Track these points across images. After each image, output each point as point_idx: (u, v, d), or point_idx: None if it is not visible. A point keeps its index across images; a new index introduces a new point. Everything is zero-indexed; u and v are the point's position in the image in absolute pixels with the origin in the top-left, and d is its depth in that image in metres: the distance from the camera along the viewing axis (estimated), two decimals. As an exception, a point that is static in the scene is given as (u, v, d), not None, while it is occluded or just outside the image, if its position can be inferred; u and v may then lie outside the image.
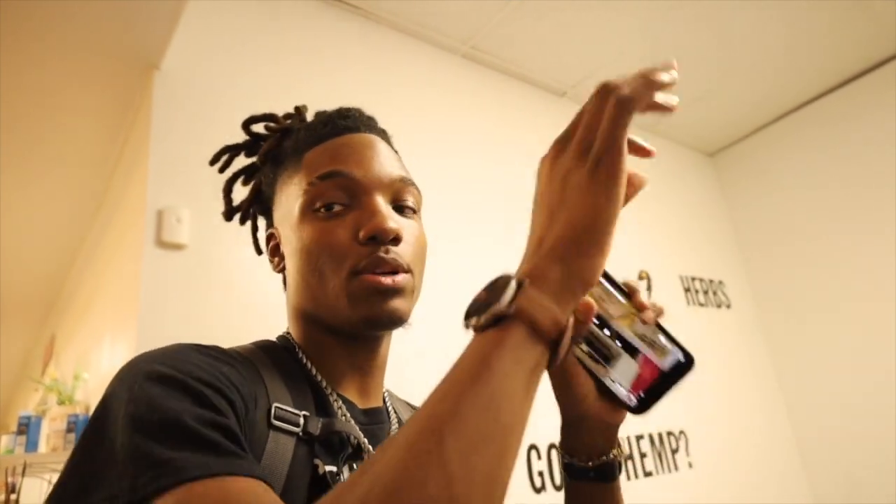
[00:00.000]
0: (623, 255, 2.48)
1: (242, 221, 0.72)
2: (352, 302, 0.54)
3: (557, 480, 1.82)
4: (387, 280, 0.53)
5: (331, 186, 0.56)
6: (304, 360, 0.59)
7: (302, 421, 0.50)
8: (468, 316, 0.37)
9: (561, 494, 1.87)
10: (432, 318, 1.77)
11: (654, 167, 2.89)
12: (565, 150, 0.40)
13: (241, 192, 0.72)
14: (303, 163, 0.60)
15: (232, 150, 0.72)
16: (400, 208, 0.59)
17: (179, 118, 1.51)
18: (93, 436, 0.41)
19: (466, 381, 0.33)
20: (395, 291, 0.54)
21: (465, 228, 1.98)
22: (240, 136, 0.72)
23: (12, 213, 2.58)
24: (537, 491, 1.77)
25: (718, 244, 3.02)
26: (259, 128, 0.70)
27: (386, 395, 0.66)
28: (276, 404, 0.50)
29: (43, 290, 3.69)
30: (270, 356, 0.56)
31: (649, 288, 2.50)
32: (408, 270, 0.56)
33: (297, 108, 0.72)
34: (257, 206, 0.71)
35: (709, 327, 2.69)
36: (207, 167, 1.64)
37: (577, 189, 0.38)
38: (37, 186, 2.36)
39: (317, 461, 0.49)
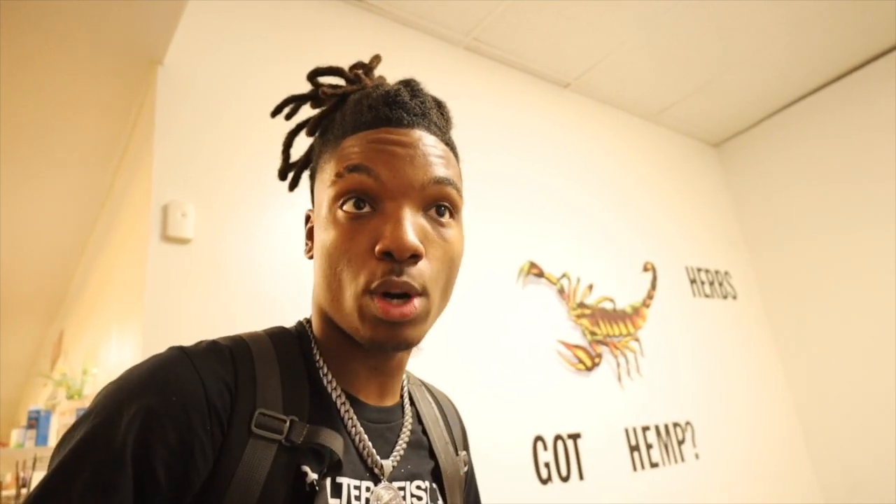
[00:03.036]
0: (629, 247, 2.47)
1: (291, 188, 0.68)
2: (362, 321, 0.51)
3: (563, 471, 1.83)
4: (395, 312, 0.50)
5: (357, 183, 0.53)
6: (316, 356, 0.57)
7: (286, 427, 0.50)
8: None
9: (566, 486, 1.87)
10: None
11: (659, 158, 2.88)
12: None
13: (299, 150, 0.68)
14: (339, 148, 0.56)
15: (297, 101, 0.66)
16: (439, 210, 0.55)
17: (183, 113, 1.51)
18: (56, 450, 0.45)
19: None
20: (405, 323, 0.51)
21: (467, 221, 1.98)
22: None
23: (18, 210, 2.59)
24: (543, 482, 1.77)
25: (724, 235, 3.01)
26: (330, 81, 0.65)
27: (404, 384, 0.65)
28: (260, 410, 0.49)
29: (50, 287, 3.72)
30: (278, 348, 0.55)
31: (655, 279, 2.50)
32: (421, 293, 0.52)
33: (363, 65, 0.66)
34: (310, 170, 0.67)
35: (715, 318, 2.68)
36: (212, 162, 1.64)
37: None
38: (41, 183, 2.37)
39: (305, 468, 0.48)
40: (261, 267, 1.47)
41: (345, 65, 0.69)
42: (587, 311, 2.18)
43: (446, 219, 0.56)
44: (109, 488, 0.41)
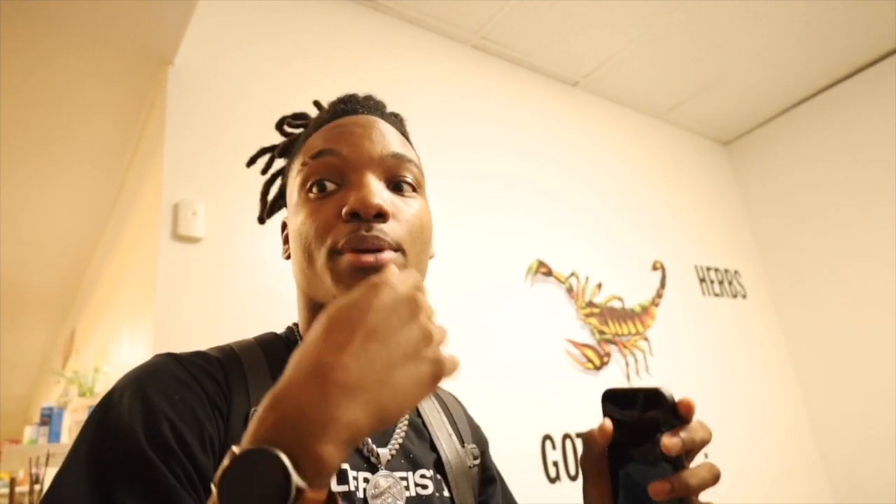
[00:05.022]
0: (637, 246, 2.46)
1: (269, 216, 0.73)
2: (335, 281, 0.52)
3: (572, 470, 1.83)
4: (368, 258, 0.50)
5: (321, 165, 0.56)
6: None
7: None
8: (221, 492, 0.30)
9: (575, 485, 1.87)
10: (436, 308, 1.77)
11: (669, 156, 2.86)
12: (414, 317, 0.37)
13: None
14: (304, 147, 0.60)
15: (269, 151, 0.72)
16: (398, 185, 0.57)
17: (194, 112, 1.52)
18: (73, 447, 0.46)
19: None
20: (378, 269, 0.50)
21: (476, 220, 1.98)
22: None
23: (31, 209, 2.62)
24: (552, 481, 1.77)
25: (733, 234, 2.99)
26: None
27: None
28: (255, 408, 0.50)
29: (62, 286, 3.75)
30: (267, 352, 0.57)
31: (664, 278, 2.49)
32: (396, 248, 0.53)
33: (316, 104, 0.71)
34: (284, 202, 0.71)
35: (724, 318, 2.66)
36: (222, 161, 1.65)
37: (407, 372, 0.35)
38: (54, 183, 2.39)
39: None
40: (270, 265, 1.48)
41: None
42: (596, 310, 2.17)
43: (408, 192, 0.57)
44: (147, 486, 0.41)
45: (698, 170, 3.01)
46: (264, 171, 0.72)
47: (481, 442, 0.71)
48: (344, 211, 0.52)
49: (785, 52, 2.54)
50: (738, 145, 3.21)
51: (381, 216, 0.52)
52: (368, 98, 0.64)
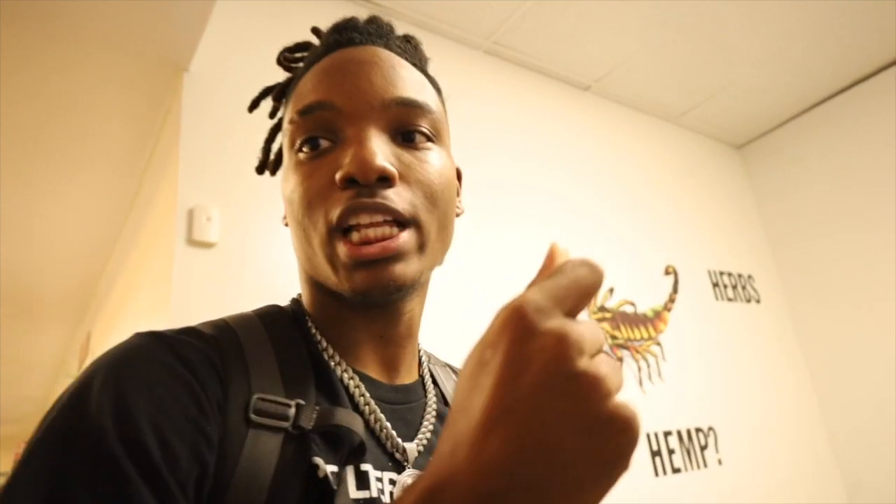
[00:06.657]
0: (650, 250, 2.45)
1: (273, 172, 0.62)
2: (336, 270, 0.44)
3: (584, 476, 1.81)
4: (370, 249, 0.42)
5: (310, 122, 0.46)
6: (314, 331, 0.50)
7: (292, 412, 0.41)
8: None
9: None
10: (445, 317, 1.77)
11: (681, 160, 2.85)
12: (568, 344, 0.25)
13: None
14: (294, 92, 0.51)
15: (270, 93, 0.62)
16: (409, 136, 0.47)
17: (208, 119, 1.54)
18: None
19: None
20: (387, 259, 0.43)
21: (487, 226, 1.98)
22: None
23: (47, 214, 2.65)
24: (564, 486, 1.76)
25: (747, 238, 2.96)
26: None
27: (424, 362, 0.58)
28: (257, 395, 0.41)
29: (79, 290, 3.79)
30: (270, 329, 0.48)
31: (676, 283, 2.47)
32: (408, 221, 0.44)
33: (315, 31, 0.59)
34: None
35: (738, 322, 2.64)
36: (237, 166, 1.66)
37: (580, 432, 0.24)
38: (70, 187, 2.42)
39: (317, 460, 0.40)
40: (284, 270, 1.49)
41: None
42: (608, 315, 2.16)
43: (422, 143, 0.48)
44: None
45: (711, 174, 2.99)
46: (272, 115, 0.62)
47: None
48: (338, 177, 0.43)
49: (798, 55, 2.52)
50: (751, 149, 3.18)
51: (386, 180, 0.43)
52: (372, 21, 0.53)
